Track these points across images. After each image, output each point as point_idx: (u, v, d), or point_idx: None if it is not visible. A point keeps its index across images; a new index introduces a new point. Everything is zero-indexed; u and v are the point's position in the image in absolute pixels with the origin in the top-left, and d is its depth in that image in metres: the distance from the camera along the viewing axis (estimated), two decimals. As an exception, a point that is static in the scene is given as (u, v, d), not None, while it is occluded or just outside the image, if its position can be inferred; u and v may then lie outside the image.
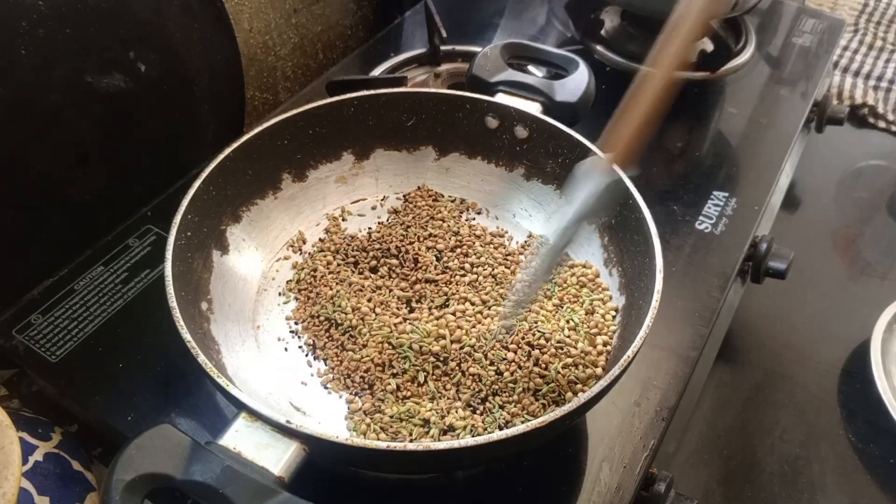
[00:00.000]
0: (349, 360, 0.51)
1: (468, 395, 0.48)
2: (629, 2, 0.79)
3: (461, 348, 0.50)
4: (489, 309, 0.54)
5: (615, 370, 0.40)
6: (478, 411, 0.48)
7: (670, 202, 0.66)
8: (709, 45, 0.83)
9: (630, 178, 0.52)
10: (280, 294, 0.56)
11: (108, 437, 0.51)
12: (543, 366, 0.49)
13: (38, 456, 0.46)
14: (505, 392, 0.48)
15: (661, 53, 0.39)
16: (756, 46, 0.86)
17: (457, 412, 0.47)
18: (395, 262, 0.57)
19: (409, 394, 0.49)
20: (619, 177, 0.40)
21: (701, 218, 0.65)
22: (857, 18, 1.11)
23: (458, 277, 0.56)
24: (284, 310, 0.55)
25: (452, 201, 0.63)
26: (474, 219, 0.61)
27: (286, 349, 0.53)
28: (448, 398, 0.48)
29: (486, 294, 0.55)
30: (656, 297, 0.44)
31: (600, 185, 0.39)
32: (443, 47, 0.83)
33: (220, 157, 0.53)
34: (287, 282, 0.56)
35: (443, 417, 0.47)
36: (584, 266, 0.56)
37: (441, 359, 0.50)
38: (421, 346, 0.50)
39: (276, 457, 0.37)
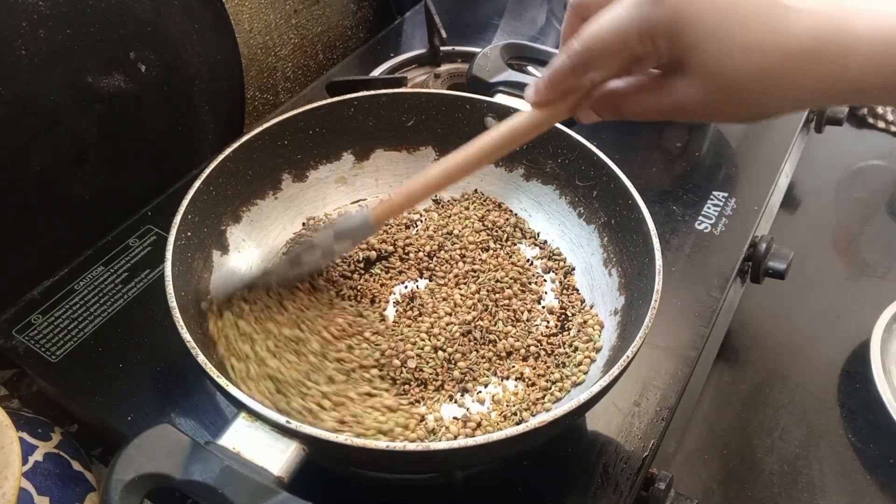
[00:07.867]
0: None
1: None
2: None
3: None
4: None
5: (615, 370, 0.40)
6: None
7: (670, 202, 0.67)
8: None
9: (630, 177, 0.52)
10: None
11: (108, 437, 0.51)
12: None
13: (38, 456, 0.46)
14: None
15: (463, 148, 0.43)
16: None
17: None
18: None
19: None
20: (374, 225, 0.48)
21: (700, 218, 0.65)
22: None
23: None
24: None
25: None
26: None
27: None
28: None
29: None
30: (656, 297, 0.44)
31: (360, 223, 0.48)
32: (442, 48, 0.83)
33: (220, 157, 0.53)
34: None
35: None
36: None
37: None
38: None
39: (276, 457, 0.37)
